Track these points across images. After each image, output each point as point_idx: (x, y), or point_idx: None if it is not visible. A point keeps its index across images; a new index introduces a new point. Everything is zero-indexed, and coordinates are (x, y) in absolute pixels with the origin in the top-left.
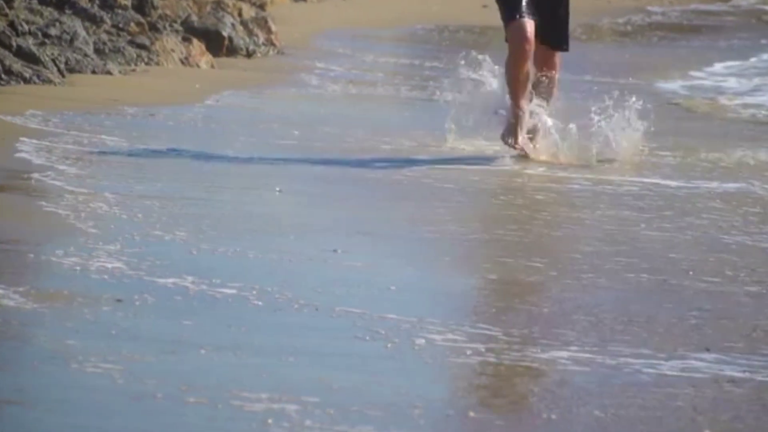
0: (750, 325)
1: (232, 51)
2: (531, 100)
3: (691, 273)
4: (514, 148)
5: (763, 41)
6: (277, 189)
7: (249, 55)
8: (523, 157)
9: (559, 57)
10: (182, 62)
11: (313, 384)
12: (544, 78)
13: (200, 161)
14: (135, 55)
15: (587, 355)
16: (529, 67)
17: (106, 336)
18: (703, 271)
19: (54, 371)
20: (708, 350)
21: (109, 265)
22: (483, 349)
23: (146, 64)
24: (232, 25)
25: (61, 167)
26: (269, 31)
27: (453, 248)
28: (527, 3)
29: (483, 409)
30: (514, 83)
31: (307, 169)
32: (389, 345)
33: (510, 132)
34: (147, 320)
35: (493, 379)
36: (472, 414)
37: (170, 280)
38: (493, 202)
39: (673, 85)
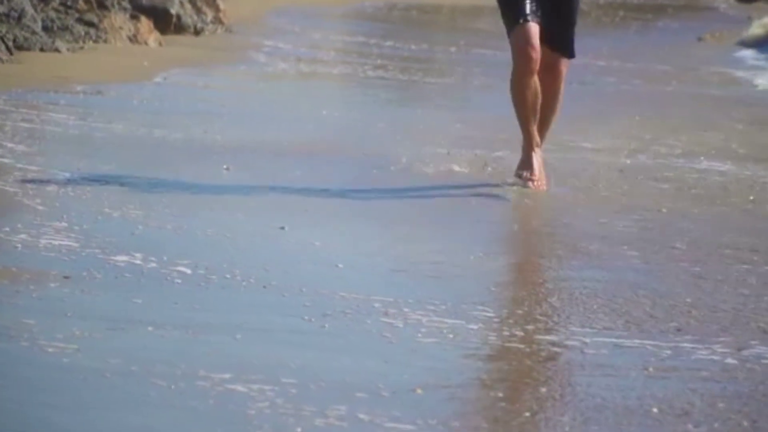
0: None
1: (179, 29)
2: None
3: None
4: (531, 181)
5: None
6: (225, 167)
7: (197, 32)
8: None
9: (565, 65)
10: (130, 40)
11: (265, 362)
12: (544, 93)
13: (148, 139)
14: (83, 33)
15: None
16: (537, 82)
17: (54, 313)
18: None
19: (1, 348)
20: None
21: (57, 242)
22: (436, 326)
23: (94, 41)
24: (180, 2)
25: (9, 144)
26: (217, 8)
27: (404, 225)
28: (531, 2)
29: (435, 386)
30: (522, 103)
31: (255, 147)
32: (338, 322)
33: (524, 166)
34: (95, 297)
35: (447, 356)
36: (419, 391)
37: (119, 258)
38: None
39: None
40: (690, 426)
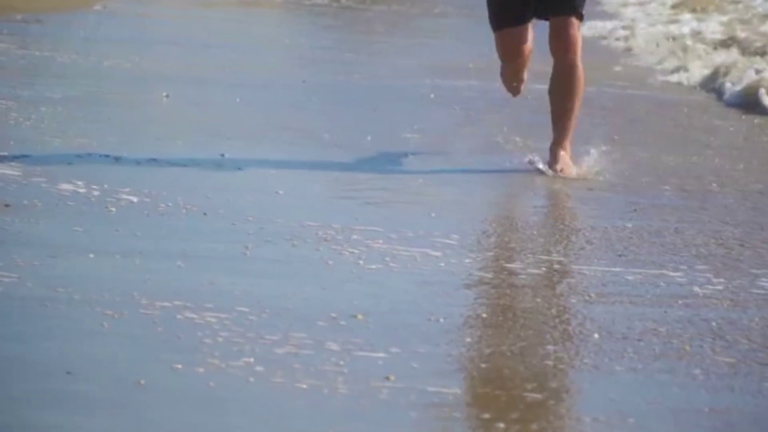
0: None
1: None
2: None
3: None
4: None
5: None
6: (165, 94)
7: None
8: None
9: (575, 28)
10: None
11: (209, 289)
12: (559, 71)
13: (89, 67)
14: None
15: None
16: (524, 74)
17: None
18: None
19: None
20: None
21: None
22: (379, 253)
23: None
24: None
25: None
26: None
27: (346, 151)
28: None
29: (384, 312)
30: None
31: (195, 74)
32: (280, 249)
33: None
34: (36, 225)
35: (391, 282)
36: (360, 317)
37: (60, 186)
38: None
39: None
40: (630, 351)
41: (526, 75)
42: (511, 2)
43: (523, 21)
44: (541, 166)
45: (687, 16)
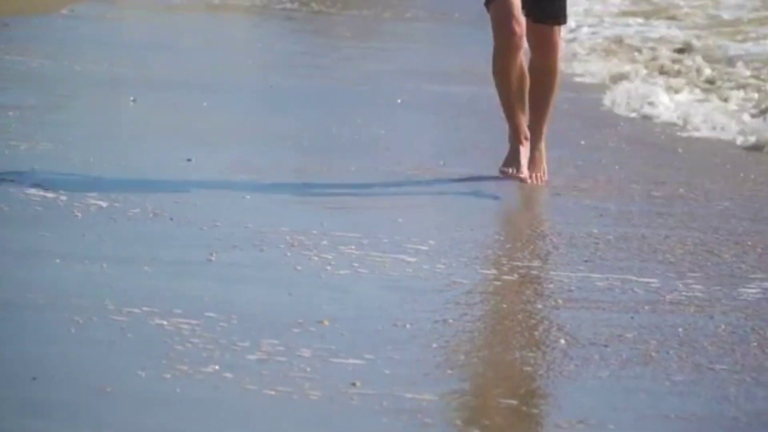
0: None
1: None
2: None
3: None
4: (519, 179)
5: None
6: (132, 99)
7: None
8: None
9: (557, 33)
10: None
11: (177, 294)
12: (537, 71)
13: (55, 71)
14: None
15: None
16: (522, 62)
17: None
18: None
19: None
20: None
21: None
22: (346, 258)
23: None
24: None
25: None
26: None
27: (312, 156)
28: None
29: (337, 317)
30: (504, 87)
31: (162, 79)
32: (247, 254)
33: (510, 161)
34: (2, 230)
35: (359, 289)
36: (326, 323)
37: (26, 191)
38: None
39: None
40: (596, 356)
41: (525, 159)
42: None
43: None
44: (513, 171)
45: (631, 20)
